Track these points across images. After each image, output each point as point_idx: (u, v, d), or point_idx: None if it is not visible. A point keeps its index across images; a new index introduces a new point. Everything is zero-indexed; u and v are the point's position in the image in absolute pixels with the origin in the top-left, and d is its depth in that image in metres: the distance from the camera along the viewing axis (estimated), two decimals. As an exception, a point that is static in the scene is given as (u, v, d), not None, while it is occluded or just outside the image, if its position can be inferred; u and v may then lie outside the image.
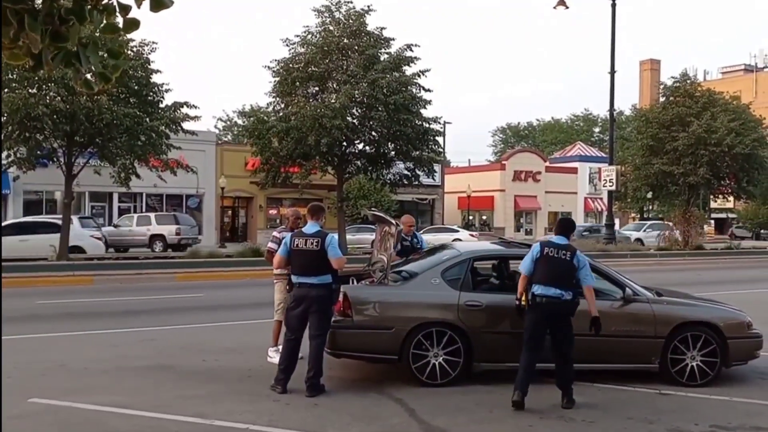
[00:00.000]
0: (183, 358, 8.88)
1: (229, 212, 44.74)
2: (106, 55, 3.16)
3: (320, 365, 7.20)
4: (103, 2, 2.88)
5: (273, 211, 43.30)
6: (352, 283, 8.29)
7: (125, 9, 2.84)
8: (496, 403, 6.88)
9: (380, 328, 7.55)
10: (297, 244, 7.33)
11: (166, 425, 6.18)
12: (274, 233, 8.94)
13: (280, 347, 8.30)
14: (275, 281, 8.84)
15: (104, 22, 2.90)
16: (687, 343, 7.76)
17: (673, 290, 9.42)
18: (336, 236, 7.83)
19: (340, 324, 7.49)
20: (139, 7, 2.78)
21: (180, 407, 6.64)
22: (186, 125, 22.96)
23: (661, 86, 39.80)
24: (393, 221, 8.31)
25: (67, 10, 2.72)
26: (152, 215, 32.40)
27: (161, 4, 2.78)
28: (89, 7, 2.79)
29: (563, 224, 7.46)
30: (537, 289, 6.93)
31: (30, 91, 19.38)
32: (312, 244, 7.26)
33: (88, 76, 3.17)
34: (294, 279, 7.41)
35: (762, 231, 59.37)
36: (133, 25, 2.90)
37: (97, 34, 3.03)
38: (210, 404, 6.75)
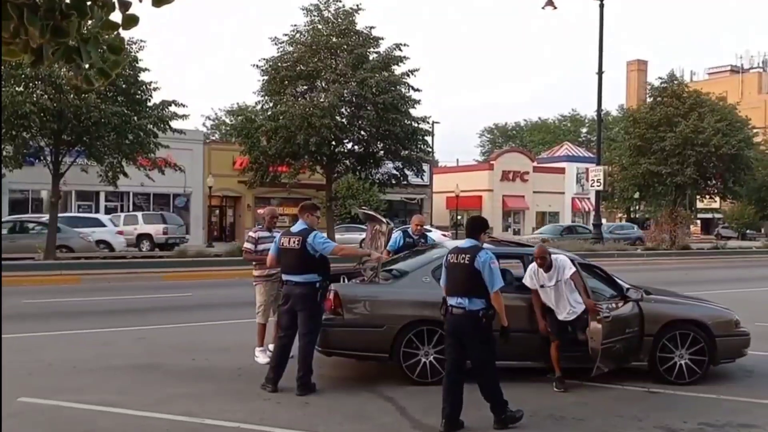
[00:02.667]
0: (172, 357, 8.85)
1: (217, 211, 44.60)
2: (105, 50, 3.13)
3: (310, 364, 7.20)
4: (104, -2, 2.85)
5: (261, 211, 43.15)
6: (343, 281, 8.28)
7: (125, 5, 2.82)
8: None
9: (371, 327, 7.55)
10: (283, 243, 7.38)
11: (155, 424, 6.16)
12: (250, 233, 8.94)
13: (268, 347, 8.33)
14: (255, 283, 8.81)
15: (103, 18, 2.88)
16: (675, 341, 7.81)
17: (661, 289, 9.47)
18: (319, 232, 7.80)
19: (330, 322, 7.49)
20: (141, 1, 2.75)
21: (169, 406, 6.62)
22: (174, 124, 22.85)
23: (649, 87, 40.05)
24: (384, 220, 8.30)
25: (68, 5, 2.70)
26: (139, 214, 32.23)
27: (163, -1, 2.76)
28: (90, 2, 2.77)
29: (469, 223, 6.75)
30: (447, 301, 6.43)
31: (17, 88, 19.20)
32: (294, 242, 7.27)
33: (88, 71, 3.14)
34: (282, 277, 7.46)
35: (748, 231, 59.81)
36: (132, 21, 2.88)
37: (97, 30, 3.00)
38: (200, 403, 6.73)
